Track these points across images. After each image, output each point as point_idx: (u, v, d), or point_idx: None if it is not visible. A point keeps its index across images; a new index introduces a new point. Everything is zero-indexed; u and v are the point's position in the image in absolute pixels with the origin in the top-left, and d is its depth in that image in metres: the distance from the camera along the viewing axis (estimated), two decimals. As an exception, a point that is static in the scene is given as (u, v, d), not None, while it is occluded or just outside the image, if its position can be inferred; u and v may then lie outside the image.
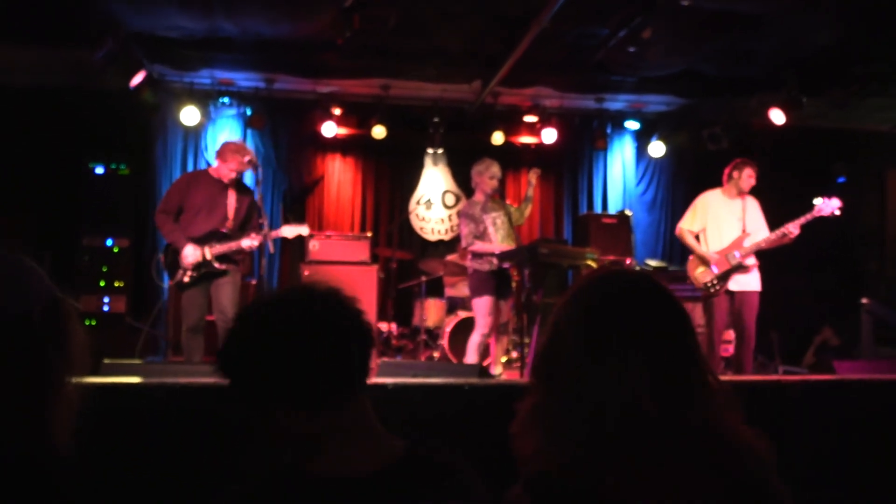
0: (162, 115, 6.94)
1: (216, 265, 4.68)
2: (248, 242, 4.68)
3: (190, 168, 7.12)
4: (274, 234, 4.86)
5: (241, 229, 4.81)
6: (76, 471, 1.16)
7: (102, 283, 6.40)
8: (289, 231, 4.94)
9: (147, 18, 5.64)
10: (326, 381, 1.16)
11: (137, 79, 5.98)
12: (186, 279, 4.67)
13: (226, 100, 7.14)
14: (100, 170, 6.63)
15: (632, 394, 1.09)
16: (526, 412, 1.19)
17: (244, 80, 6.98)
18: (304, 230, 5.01)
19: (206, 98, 7.00)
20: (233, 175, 4.76)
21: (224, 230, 4.75)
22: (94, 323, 6.24)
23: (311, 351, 1.16)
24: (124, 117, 6.57)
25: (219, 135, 7.26)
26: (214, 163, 4.88)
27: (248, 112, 7.09)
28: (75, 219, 6.55)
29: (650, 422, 1.08)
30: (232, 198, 4.82)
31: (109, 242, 6.49)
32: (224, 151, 4.81)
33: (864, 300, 5.13)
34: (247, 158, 4.72)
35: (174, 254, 4.72)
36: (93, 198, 6.58)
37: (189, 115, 6.77)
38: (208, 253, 4.66)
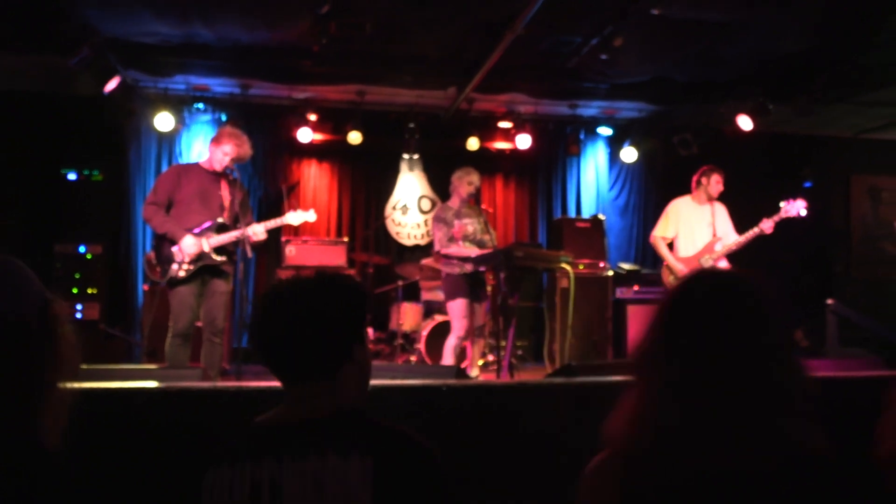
0: (136, 121, 6.90)
1: (214, 257, 4.45)
2: (256, 231, 4.44)
3: (164, 174, 7.07)
4: (278, 221, 4.68)
5: (236, 222, 4.54)
6: (66, 471, 1.18)
7: (75, 290, 6.33)
8: (293, 217, 4.75)
9: (122, 24, 5.61)
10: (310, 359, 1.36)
11: (111, 85, 5.94)
12: (182, 273, 4.40)
13: (200, 105, 7.12)
14: (73, 176, 6.57)
15: (708, 391, 1.15)
16: (626, 404, 1.24)
17: (219, 85, 6.97)
18: (310, 216, 4.84)
19: (180, 104, 6.98)
20: (226, 161, 4.49)
21: (221, 220, 4.52)
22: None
23: (296, 334, 1.35)
24: (98, 123, 6.53)
25: (193, 141, 7.25)
26: (206, 153, 4.65)
27: (224, 118, 7.08)
28: (48, 225, 6.48)
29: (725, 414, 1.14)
30: (225, 189, 4.58)
31: (82, 249, 6.43)
32: (220, 135, 4.58)
33: (829, 301, 5.29)
34: (244, 144, 4.51)
35: (168, 247, 4.44)
36: (65, 204, 6.51)
37: (163, 120, 6.74)
38: (206, 244, 4.43)
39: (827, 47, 5.80)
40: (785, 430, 1.14)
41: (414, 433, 1.35)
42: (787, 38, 5.64)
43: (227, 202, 4.57)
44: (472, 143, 7.52)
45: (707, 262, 5.11)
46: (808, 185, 7.98)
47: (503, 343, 4.69)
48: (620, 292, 6.93)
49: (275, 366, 1.40)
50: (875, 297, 7.97)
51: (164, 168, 7.11)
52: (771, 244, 5.28)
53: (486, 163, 7.63)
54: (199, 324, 4.56)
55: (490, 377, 5.29)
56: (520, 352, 6.91)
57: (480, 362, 5.56)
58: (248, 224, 4.47)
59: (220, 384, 4.17)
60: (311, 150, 7.66)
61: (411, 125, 7.45)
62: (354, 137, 7.22)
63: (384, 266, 7.20)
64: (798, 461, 1.13)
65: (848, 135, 8.18)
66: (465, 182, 5.24)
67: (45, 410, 1.18)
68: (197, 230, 4.45)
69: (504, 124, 7.71)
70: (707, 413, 1.14)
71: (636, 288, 6.95)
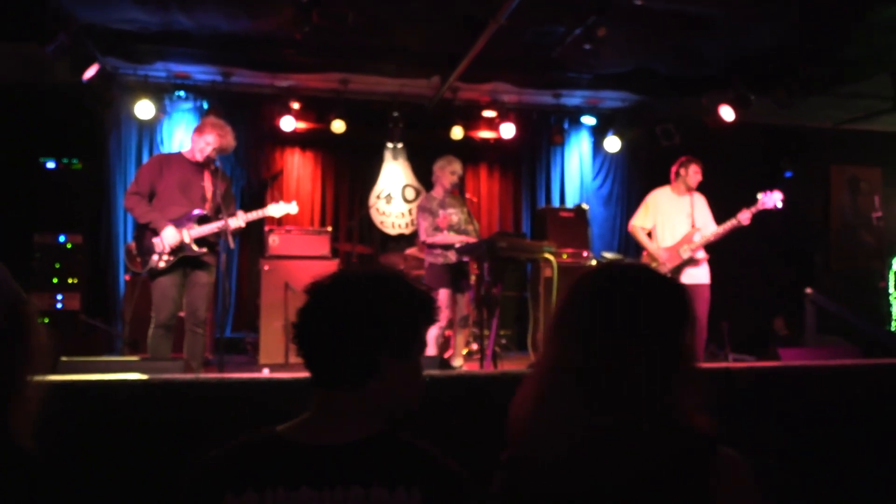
0: (116, 109, 6.81)
1: (195, 248, 4.41)
2: (236, 222, 4.40)
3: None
4: (260, 213, 4.65)
5: (218, 213, 4.48)
6: (40, 468, 1.18)
7: (55, 280, 6.27)
8: (276, 210, 4.73)
9: (100, 11, 5.53)
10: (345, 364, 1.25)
11: (90, 72, 5.86)
12: (162, 264, 4.36)
13: (181, 93, 7.05)
14: (51, 165, 6.49)
15: (616, 383, 1.19)
16: (526, 394, 1.28)
17: (200, 73, 6.90)
18: (292, 208, 4.82)
19: (161, 92, 6.91)
20: (209, 151, 4.44)
21: (203, 212, 4.48)
22: (46, 321, 6.09)
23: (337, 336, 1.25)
24: (77, 111, 6.45)
25: (174, 129, 7.18)
26: (188, 143, 4.59)
27: (205, 106, 7.01)
28: (26, 215, 6.39)
29: (627, 406, 1.19)
30: (208, 180, 4.53)
31: (62, 239, 6.35)
32: (203, 125, 4.53)
33: (808, 290, 5.37)
34: (228, 135, 4.46)
35: (149, 237, 4.40)
36: (44, 193, 6.43)
37: (143, 108, 6.67)
38: (187, 235, 4.39)
39: (806, 41, 5.85)
40: (671, 411, 1.19)
41: (452, 462, 1.28)
42: (766, 32, 5.68)
43: (209, 193, 4.53)
44: (457, 133, 7.52)
45: (685, 253, 5.16)
46: (788, 175, 8.07)
47: (486, 332, 4.72)
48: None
49: (303, 360, 1.29)
50: (853, 287, 8.08)
51: (145, 156, 7.06)
52: (752, 235, 5.33)
53: (470, 152, 7.63)
54: (182, 314, 4.54)
55: (474, 366, 5.31)
56: (503, 341, 6.94)
57: (464, 352, 5.58)
58: (231, 215, 4.43)
59: (203, 376, 4.16)
60: (294, 139, 7.62)
61: (395, 114, 7.42)
62: (338, 126, 7.19)
63: (368, 255, 7.19)
64: (684, 441, 1.17)
65: (828, 126, 8.27)
66: (448, 172, 5.24)
67: (15, 408, 1.17)
68: (178, 221, 4.41)
69: (488, 114, 7.71)
70: (598, 397, 1.18)
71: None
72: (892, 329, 7.62)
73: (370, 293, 1.28)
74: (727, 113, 6.86)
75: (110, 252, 6.91)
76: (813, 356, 4.00)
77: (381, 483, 1.19)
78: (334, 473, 1.19)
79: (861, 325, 5.25)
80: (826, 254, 8.41)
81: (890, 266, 8.05)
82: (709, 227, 5.24)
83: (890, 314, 7.86)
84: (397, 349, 1.28)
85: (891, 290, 8.02)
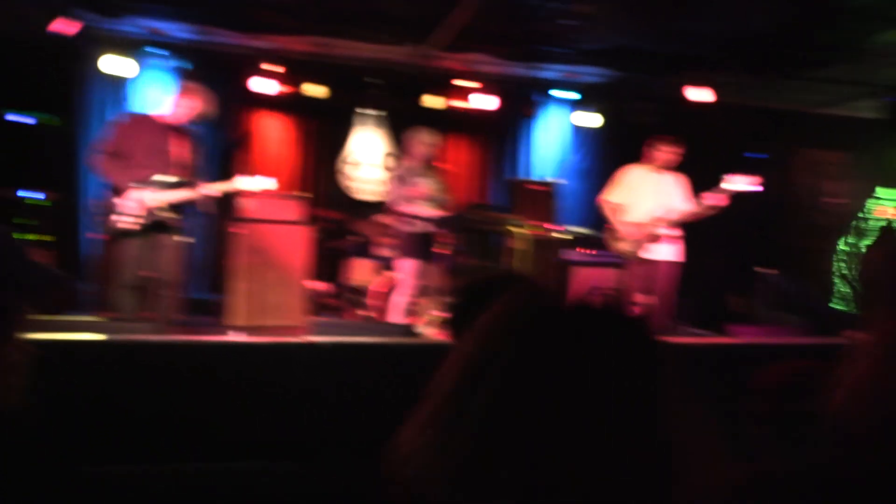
0: (86, 64, 6.68)
1: (161, 214, 4.40)
2: (210, 190, 4.39)
3: (115, 120, 6.88)
4: (233, 186, 4.63)
5: (189, 179, 4.47)
6: (25, 428, 1.22)
7: (26, 238, 6.20)
8: (252, 183, 4.69)
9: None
10: None
11: (61, 25, 5.74)
12: (127, 226, 4.33)
13: (155, 50, 6.92)
14: (19, 120, 6.36)
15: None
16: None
17: (176, 30, 6.78)
18: (271, 184, 4.78)
19: (134, 48, 6.76)
20: (187, 115, 4.40)
21: (172, 178, 4.44)
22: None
23: None
24: (46, 66, 6.30)
25: (147, 86, 7.06)
26: (162, 103, 4.53)
27: (180, 65, 6.90)
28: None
29: None
30: (178, 145, 4.48)
31: (29, 196, 6.27)
32: (187, 89, 4.49)
33: (758, 269, 5.54)
34: (209, 101, 4.43)
35: (115, 197, 4.36)
36: (12, 149, 6.31)
37: (115, 64, 6.55)
38: (154, 200, 4.36)
39: (782, 26, 5.96)
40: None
41: None
42: (743, 16, 5.76)
43: (180, 157, 4.49)
44: (435, 102, 7.53)
45: (651, 230, 5.29)
46: (758, 156, 8.23)
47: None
48: (568, 254, 7.09)
49: None
50: (809, 266, 8.36)
51: (114, 114, 6.93)
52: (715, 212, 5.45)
53: (448, 122, 7.63)
54: (149, 274, 4.53)
55: (440, 335, 5.42)
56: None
57: (430, 318, 5.68)
58: (205, 182, 4.43)
59: (172, 337, 4.21)
60: (270, 102, 7.55)
61: (373, 81, 7.39)
62: (315, 90, 7.15)
63: (339, 221, 7.21)
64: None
65: (796, 109, 8.44)
66: (417, 142, 5.27)
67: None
68: (147, 184, 4.38)
69: (467, 84, 7.71)
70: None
71: (580, 250, 7.06)
72: (836, 306, 7.96)
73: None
74: (703, 94, 6.97)
75: (78, 210, 6.83)
76: (765, 333, 4.18)
77: None
78: None
79: (810, 302, 5.46)
80: (784, 233, 8.65)
81: (837, 247, 8.41)
82: (679, 206, 5.35)
83: (835, 293, 8.23)
84: None
85: (836, 269, 8.38)
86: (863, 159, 8.62)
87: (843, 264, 8.40)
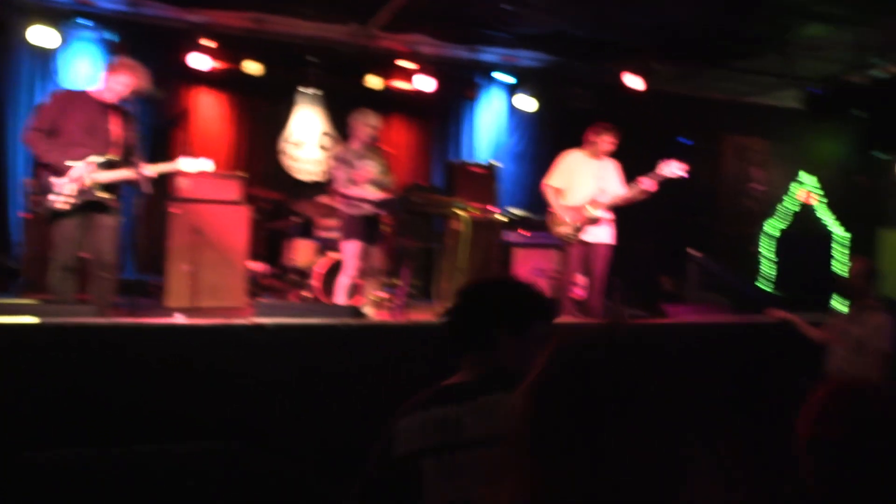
0: (8, 35, 6.36)
1: (98, 194, 4.28)
2: (148, 170, 4.27)
3: (39, 95, 6.58)
4: (171, 167, 4.52)
5: (126, 157, 4.35)
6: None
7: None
8: (188, 165, 4.58)
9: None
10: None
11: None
12: (62, 206, 4.21)
13: (84, 22, 6.64)
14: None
15: None
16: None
17: (105, 1, 6.53)
18: (208, 165, 4.68)
19: (61, 18, 6.47)
20: (122, 92, 4.28)
21: (108, 156, 4.32)
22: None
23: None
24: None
25: (74, 60, 6.78)
26: (93, 78, 4.44)
27: (109, 37, 6.65)
28: None
29: None
30: (115, 123, 4.35)
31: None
32: (118, 65, 4.35)
33: (689, 251, 5.80)
34: (143, 77, 4.30)
35: (49, 176, 4.21)
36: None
37: (40, 35, 6.26)
38: (91, 179, 4.24)
39: (710, 18, 6.20)
40: None
41: None
42: (675, 7, 5.97)
43: (116, 136, 4.38)
44: (374, 82, 7.50)
45: (590, 213, 5.46)
46: (686, 142, 8.54)
47: (396, 282, 4.87)
48: (509, 236, 7.23)
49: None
50: (735, 249, 8.78)
51: (41, 88, 6.64)
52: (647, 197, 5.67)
53: (387, 103, 7.61)
54: (86, 255, 4.43)
55: (384, 316, 5.47)
56: (412, 291, 7.11)
57: (374, 299, 5.72)
58: (141, 162, 4.31)
59: (113, 320, 4.12)
60: (206, 79, 7.36)
61: (312, 59, 7.30)
62: (252, 67, 7.02)
63: (279, 201, 7.13)
64: None
65: (723, 97, 8.79)
66: (362, 124, 5.27)
67: None
68: (82, 163, 4.25)
69: (406, 64, 7.70)
70: None
71: (521, 232, 7.23)
72: (760, 286, 8.43)
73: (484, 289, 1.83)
74: (634, 81, 7.18)
75: (5, 188, 6.54)
76: (696, 312, 4.41)
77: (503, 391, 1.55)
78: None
79: (735, 283, 5.75)
80: (713, 218, 9.04)
81: (762, 230, 8.90)
82: (615, 190, 5.54)
83: (759, 273, 8.69)
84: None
85: (761, 251, 8.86)
86: (786, 147, 9.07)
87: (767, 247, 8.88)
